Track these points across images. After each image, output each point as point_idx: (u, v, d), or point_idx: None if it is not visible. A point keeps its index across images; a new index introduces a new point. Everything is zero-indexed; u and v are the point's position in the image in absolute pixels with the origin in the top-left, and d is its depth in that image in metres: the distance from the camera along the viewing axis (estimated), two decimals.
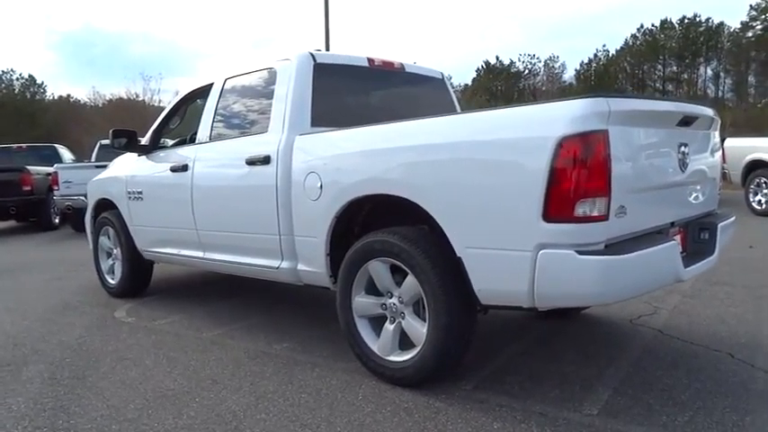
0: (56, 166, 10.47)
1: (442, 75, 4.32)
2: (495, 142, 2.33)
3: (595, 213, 2.18)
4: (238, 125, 3.83)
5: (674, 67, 57.52)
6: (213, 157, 3.84)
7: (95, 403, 2.76)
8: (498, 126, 2.36)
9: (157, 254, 4.53)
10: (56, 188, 10.03)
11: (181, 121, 4.70)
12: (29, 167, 10.65)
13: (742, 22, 52.78)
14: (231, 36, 78.43)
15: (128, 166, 4.73)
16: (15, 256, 8.11)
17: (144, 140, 4.59)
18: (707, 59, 56.27)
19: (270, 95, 3.53)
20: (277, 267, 3.40)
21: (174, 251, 4.30)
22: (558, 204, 2.17)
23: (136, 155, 4.68)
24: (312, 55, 3.46)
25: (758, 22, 51.88)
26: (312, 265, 3.20)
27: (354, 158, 2.88)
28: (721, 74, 55.81)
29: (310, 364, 3.16)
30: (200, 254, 4.03)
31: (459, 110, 4.34)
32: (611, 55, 58.42)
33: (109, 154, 11.06)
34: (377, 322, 2.93)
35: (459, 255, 2.47)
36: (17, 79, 49.78)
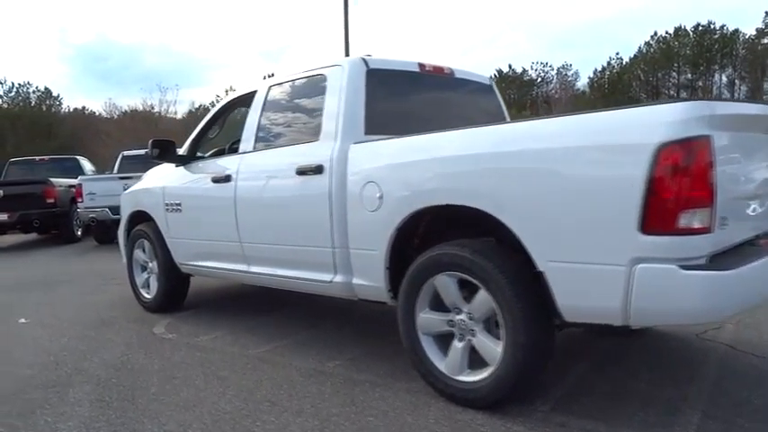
0: (80, 178, 10.44)
1: (491, 81, 4.19)
2: (586, 149, 2.18)
3: (698, 225, 2.02)
4: (285, 134, 3.71)
5: (689, 75, 57.12)
6: (259, 168, 3.72)
7: (151, 428, 2.62)
8: (589, 132, 2.21)
9: (196, 267, 4.41)
10: (80, 200, 9.99)
11: (220, 130, 4.59)
12: (52, 179, 10.63)
13: (757, 29, 52.40)
14: (245, 47, 79.02)
15: (164, 177, 4.63)
16: (43, 269, 8.04)
17: (181, 150, 4.49)
18: (722, 66, 55.86)
19: (319, 103, 3.41)
20: (329, 281, 3.26)
21: (215, 264, 4.18)
22: (657, 216, 2.02)
23: (173, 166, 4.58)
24: (364, 60, 3.34)
25: None
26: (369, 279, 3.06)
27: (420, 167, 2.74)
28: (736, 81, 55.35)
29: (369, 384, 3.01)
30: (243, 267, 3.90)
31: (507, 117, 4.20)
32: (624, 63, 58.12)
33: (131, 165, 11.07)
34: (443, 340, 2.77)
35: (540, 269, 2.32)
36: (33, 92, 50.29)
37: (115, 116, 40.82)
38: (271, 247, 3.62)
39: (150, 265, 4.90)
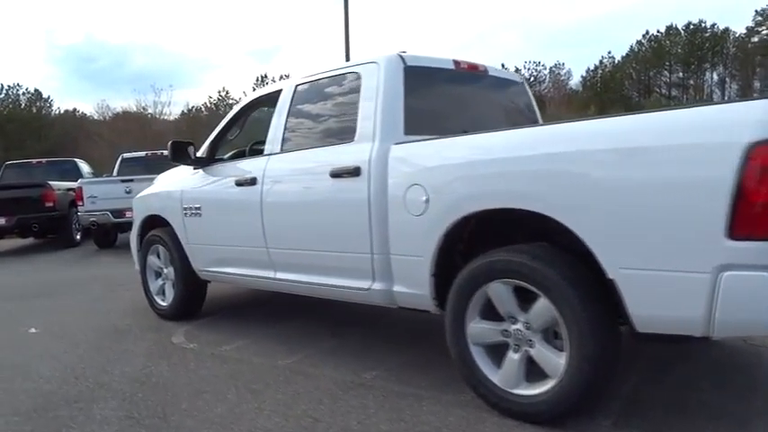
0: (80, 181, 10.22)
1: (523, 79, 4.05)
2: (665, 149, 2.04)
3: None
4: (315, 135, 3.55)
5: (680, 73, 57.42)
6: (287, 170, 3.56)
7: None
8: (668, 131, 2.07)
9: (217, 274, 4.24)
10: (80, 203, 9.77)
11: (240, 131, 4.43)
12: (50, 182, 10.39)
13: (747, 28, 52.78)
14: (236, 47, 78.47)
15: (182, 180, 4.46)
16: (45, 275, 7.83)
17: (200, 152, 4.32)
18: (713, 65, 56.21)
19: (354, 102, 3.26)
20: (367, 289, 3.11)
21: (238, 271, 4.01)
22: (747, 220, 1.89)
23: (190, 168, 4.41)
24: (401, 57, 3.20)
25: (764, 27, 51.88)
26: (412, 287, 2.92)
27: (472, 169, 2.60)
28: (727, 79, 55.71)
29: (414, 397, 2.86)
30: (269, 274, 3.74)
31: (539, 116, 4.07)
32: (616, 62, 58.33)
33: (131, 168, 10.87)
34: (496, 350, 2.63)
35: (610, 276, 2.18)
36: (23, 94, 49.76)
37: (107, 118, 40.44)
38: (301, 252, 3.47)
39: (165, 271, 4.72)
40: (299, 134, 3.64)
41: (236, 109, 4.27)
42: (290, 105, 3.69)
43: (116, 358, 3.77)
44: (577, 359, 2.29)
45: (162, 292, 4.79)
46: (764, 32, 51.21)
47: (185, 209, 4.33)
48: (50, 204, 10.12)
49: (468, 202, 2.59)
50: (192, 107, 42.61)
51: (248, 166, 3.88)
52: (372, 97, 3.14)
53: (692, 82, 57.33)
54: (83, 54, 74.96)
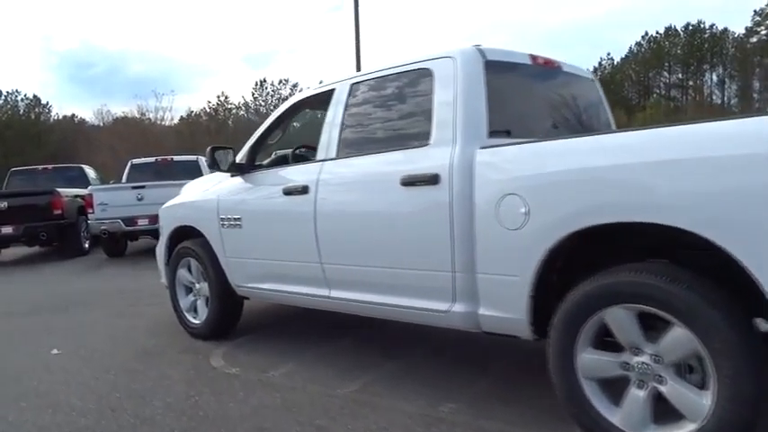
0: (90, 188, 9.85)
1: (593, 76, 3.72)
2: None
3: None
4: (379, 138, 3.21)
5: (680, 74, 57.31)
6: (346, 177, 3.22)
7: None
8: None
9: (258, 290, 3.89)
10: (90, 211, 9.39)
11: (283, 134, 4.08)
12: (58, 189, 10.02)
13: (746, 28, 52.69)
14: (232, 53, 78.12)
15: (218, 188, 4.11)
16: (57, 287, 7.45)
17: (238, 158, 3.96)
18: (712, 66, 56.09)
19: (425, 101, 2.92)
20: (446, 311, 2.76)
21: (284, 288, 3.66)
22: None
23: (227, 175, 4.06)
24: (480, 50, 2.86)
25: (762, 28, 51.79)
26: (503, 310, 2.57)
27: (590, 176, 2.24)
28: (726, 80, 55.59)
29: None
30: (322, 292, 3.39)
31: (610, 115, 3.73)
32: (615, 63, 58.21)
33: (141, 174, 10.48)
34: (613, 385, 2.29)
35: None
36: (22, 100, 49.27)
37: (106, 123, 40.03)
38: (363, 269, 3.12)
39: (198, 286, 4.37)
40: (359, 138, 3.29)
41: (278, 111, 3.92)
42: (346, 106, 3.34)
43: (153, 386, 3.42)
44: (730, 400, 1.94)
45: (194, 308, 4.44)
46: (763, 32, 51.11)
47: (222, 219, 3.98)
48: (59, 212, 9.74)
49: (584, 216, 2.24)
50: (192, 112, 42.14)
51: (298, 174, 3.53)
52: (449, 96, 2.80)
53: (691, 83, 57.24)
54: (79, 60, 74.47)
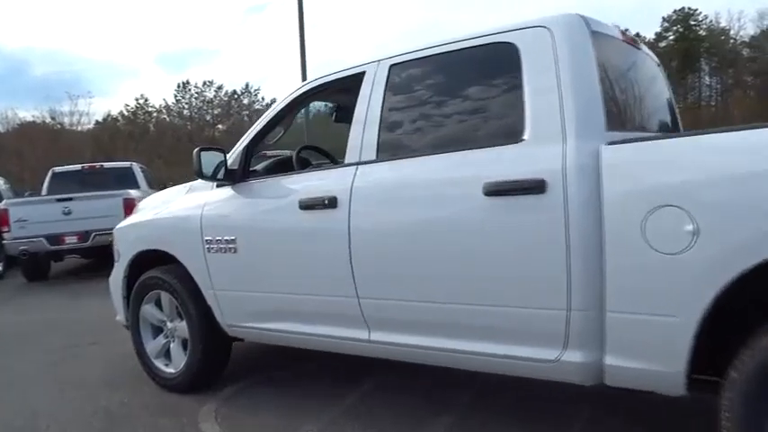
0: (5, 202, 8.43)
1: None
2: None
3: None
4: (441, 135, 2.48)
5: None
6: (398, 186, 2.47)
7: None
8: None
9: (260, 331, 3.06)
10: (5, 229, 8.01)
11: (284, 132, 3.27)
12: None
13: (656, 33, 55.73)
14: (148, 54, 74.10)
15: (200, 201, 3.23)
16: None
17: (229, 163, 3.12)
18: None
19: (509, 84, 2.26)
20: (554, 360, 2.09)
21: (299, 328, 2.86)
22: None
23: (209, 185, 3.21)
24: (584, 19, 2.21)
25: (670, 33, 54.99)
26: (646, 360, 1.92)
27: None
28: None
29: None
30: (359, 334, 2.63)
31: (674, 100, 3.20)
32: None
33: (64, 184, 9.11)
34: None
35: None
36: None
37: (10, 128, 36.55)
38: (424, 306, 2.39)
39: (171, 325, 3.47)
40: (408, 135, 2.56)
41: (279, 104, 3.08)
42: (385, 94, 2.60)
43: None
44: None
45: (166, 354, 3.53)
46: (671, 38, 54.19)
47: (209, 242, 3.12)
48: None
49: None
50: (109, 116, 39.27)
51: (318, 182, 2.75)
52: (548, 78, 2.13)
53: None
54: None
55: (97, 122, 38.33)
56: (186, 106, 41.67)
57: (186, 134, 37.47)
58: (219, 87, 41.31)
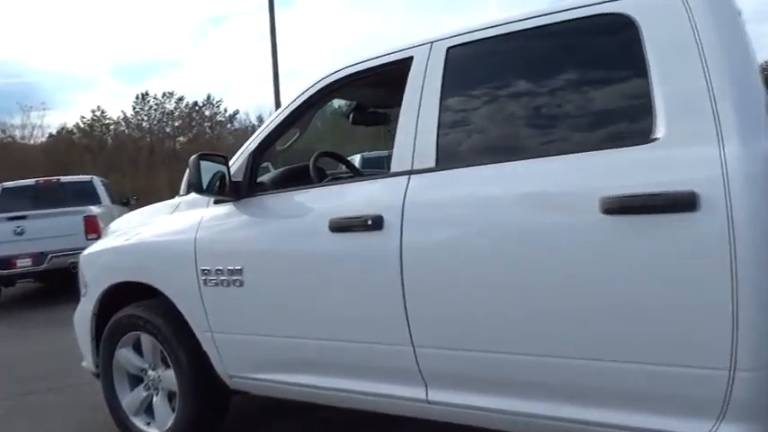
0: None
1: None
2: None
3: None
4: (526, 134, 1.93)
5: None
6: (470, 201, 1.89)
7: None
8: None
9: (274, 384, 2.43)
10: None
11: (301, 135, 2.67)
12: None
13: None
14: (109, 64, 71.77)
15: (190, 221, 2.59)
16: None
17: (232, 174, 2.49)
18: None
19: (625, 67, 1.74)
20: None
21: (331, 383, 2.25)
22: None
23: (203, 201, 2.58)
24: None
25: None
26: None
27: None
28: None
29: None
30: (416, 393, 2.04)
31: None
32: None
33: (15, 201, 8.18)
34: None
35: None
36: None
37: None
38: (513, 359, 1.81)
39: (153, 375, 2.81)
40: (480, 135, 2.00)
41: (297, 100, 2.45)
42: (444, 84, 2.03)
43: None
44: None
45: (147, 410, 2.85)
46: None
47: (205, 272, 2.48)
48: None
49: None
50: (63, 128, 37.43)
51: (357, 197, 2.16)
52: (689, 57, 1.61)
53: None
54: None
55: (51, 135, 36.54)
56: (146, 118, 40.22)
57: (146, 146, 36.16)
58: (180, 99, 40.00)
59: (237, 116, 38.27)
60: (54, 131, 36.49)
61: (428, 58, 2.09)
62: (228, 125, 39.25)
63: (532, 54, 1.94)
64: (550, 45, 1.90)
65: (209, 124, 40.54)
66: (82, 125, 39.25)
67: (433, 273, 1.93)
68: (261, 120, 33.66)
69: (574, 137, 1.80)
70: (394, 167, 2.09)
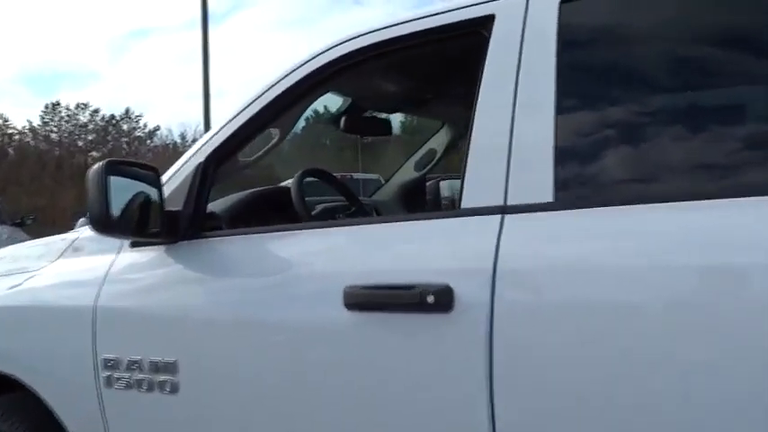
0: None
1: None
2: None
3: None
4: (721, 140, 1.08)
5: None
6: (625, 254, 1.00)
7: None
8: None
9: None
10: None
11: (283, 137, 1.70)
12: None
13: None
14: (14, 72, 66.52)
15: (89, 274, 1.55)
16: None
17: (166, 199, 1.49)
18: None
19: None
20: None
21: None
22: None
23: (119, 243, 1.55)
24: None
25: None
26: None
27: None
28: None
29: None
30: None
31: None
32: None
33: None
34: None
35: None
36: None
37: None
38: None
39: None
40: (635, 147, 1.13)
41: (286, 80, 1.44)
42: (560, 62, 1.15)
43: None
44: None
45: None
46: None
47: (110, 365, 1.45)
48: None
49: None
50: None
51: (397, 248, 1.23)
52: None
53: None
54: None
55: None
56: (55, 129, 37.21)
57: (54, 160, 33.30)
58: (96, 111, 37.26)
59: (158, 132, 35.91)
60: None
61: (524, 20, 1.22)
62: (148, 141, 36.88)
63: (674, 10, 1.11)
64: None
65: (126, 140, 38.03)
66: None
67: (553, 394, 1.02)
68: (184, 137, 31.73)
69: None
70: (466, 202, 1.18)
